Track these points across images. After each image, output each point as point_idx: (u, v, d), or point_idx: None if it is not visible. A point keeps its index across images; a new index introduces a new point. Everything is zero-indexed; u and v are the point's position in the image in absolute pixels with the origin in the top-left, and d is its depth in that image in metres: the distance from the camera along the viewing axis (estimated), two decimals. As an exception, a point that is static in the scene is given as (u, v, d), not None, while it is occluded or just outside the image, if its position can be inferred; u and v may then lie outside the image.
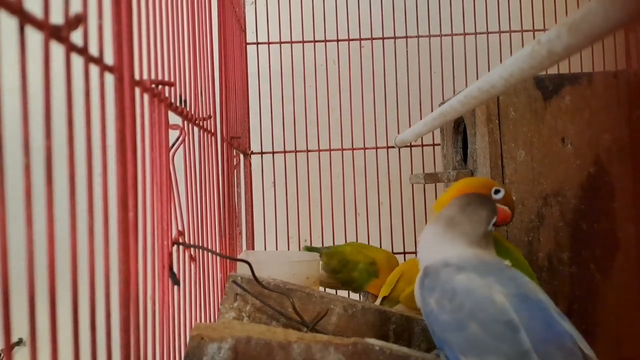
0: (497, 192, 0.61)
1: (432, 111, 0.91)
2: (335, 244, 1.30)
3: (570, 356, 0.43)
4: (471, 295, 0.47)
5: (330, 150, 1.32)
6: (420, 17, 1.33)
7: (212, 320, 0.67)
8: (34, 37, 0.28)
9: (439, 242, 0.54)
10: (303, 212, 1.32)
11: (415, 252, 1.31)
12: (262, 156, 1.33)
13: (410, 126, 1.10)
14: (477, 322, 0.46)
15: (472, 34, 1.31)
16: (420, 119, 1.00)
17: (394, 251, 1.28)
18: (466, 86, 0.68)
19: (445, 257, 0.52)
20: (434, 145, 1.32)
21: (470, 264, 0.51)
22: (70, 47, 0.30)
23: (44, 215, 0.28)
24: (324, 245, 1.33)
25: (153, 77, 0.47)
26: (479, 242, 0.54)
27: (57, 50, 0.29)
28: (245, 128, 1.23)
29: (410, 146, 1.30)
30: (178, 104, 0.55)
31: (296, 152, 1.32)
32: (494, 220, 0.56)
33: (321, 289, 1.06)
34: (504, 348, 0.44)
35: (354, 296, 1.13)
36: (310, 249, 1.12)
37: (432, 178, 0.96)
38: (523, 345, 0.43)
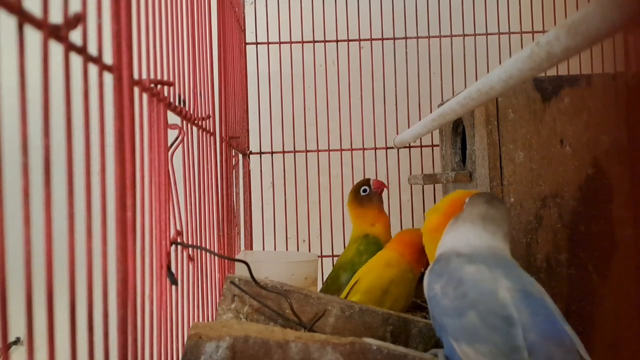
0: None
1: (431, 112, 0.91)
2: (334, 244, 1.30)
3: (569, 354, 0.44)
4: (476, 286, 0.48)
5: (329, 150, 1.32)
6: (419, 18, 1.33)
7: (210, 320, 0.67)
8: (33, 36, 0.28)
9: (479, 235, 0.55)
10: (302, 212, 1.32)
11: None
12: (260, 156, 1.33)
13: (409, 127, 1.10)
14: (476, 311, 0.46)
15: (471, 35, 1.31)
16: (419, 120, 1.00)
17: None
18: (465, 87, 0.68)
19: (468, 248, 0.53)
20: (432, 146, 1.32)
21: (482, 255, 0.51)
22: (69, 47, 0.30)
23: (41, 214, 0.28)
24: (322, 248, 1.33)
25: (152, 76, 0.47)
26: (506, 237, 0.56)
27: (56, 49, 0.29)
28: (244, 128, 1.23)
29: (409, 147, 1.31)
30: (177, 103, 0.55)
31: (295, 152, 1.32)
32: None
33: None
34: (496, 340, 0.44)
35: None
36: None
37: (430, 179, 0.96)
38: (515, 340, 0.44)
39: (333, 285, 0.99)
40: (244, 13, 1.28)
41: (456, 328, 0.47)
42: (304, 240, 1.34)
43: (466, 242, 0.54)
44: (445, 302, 0.49)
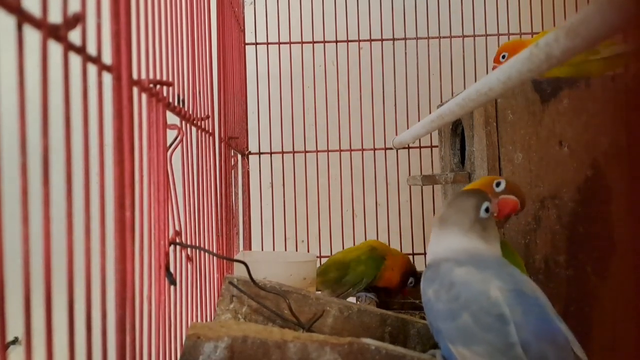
0: (497, 184, 0.61)
1: (430, 113, 0.91)
2: (333, 245, 1.30)
3: (562, 352, 0.44)
4: (468, 288, 0.48)
5: (328, 151, 1.32)
6: (419, 19, 1.33)
7: (208, 320, 0.67)
8: (32, 36, 0.28)
9: (439, 239, 0.55)
10: (300, 212, 1.32)
11: (412, 254, 1.32)
12: (259, 156, 1.33)
13: (408, 128, 1.10)
14: (469, 313, 0.47)
15: (470, 36, 1.32)
16: (419, 120, 1.00)
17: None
18: (464, 88, 0.68)
19: (445, 253, 0.54)
20: (431, 147, 1.32)
21: (469, 258, 0.51)
22: (68, 46, 0.30)
23: (40, 213, 0.28)
24: (321, 249, 1.33)
25: (151, 76, 0.47)
26: (471, 229, 0.54)
27: (55, 49, 0.29)
28: (244, 128, 1.23)
29: (408, 148, 1.31)
30: (176, 103, 0.55)
31: (294, 152, 1.32)
32: (485, 206, 0.55)
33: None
34: (491, 339, 0.45)
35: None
36: None
37: (429, 180, 0.96)
38: (510, 337, 0.44)
39: (318, 278, 0.99)
40: (243, 13, 1.28)
41: (451, 331, 0.47)
42: (302, 241, 1.34)
43: (435, 249, 0.55)
44: (439, 306, 0.49)
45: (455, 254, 0.53)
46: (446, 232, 0.55)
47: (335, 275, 1.00)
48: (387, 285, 1.02)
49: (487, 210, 0.55)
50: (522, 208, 0.64)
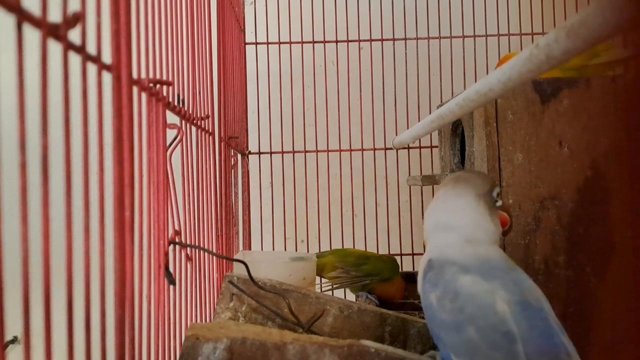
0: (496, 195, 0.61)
1: (430, 113, 0.91)
2: (332, 245, 1.30)
3: None
4: (473, 300, 0.47)
5: (327, 151, 1.32)
6: (419, 19, 1.33)
7: (207, 320, 0.67)
8: (32, 35, 0.28)
9: (468, 248, 0.52)
10: (300, 212, 1.32)
11: (411, 254, 1.32)
12: (259, 156, 1.33)
13: (408, 128, 1.10)
14: (475, 327, 0.46)
15: (470, 36, 1.32)
16: (419, 121, 1.00)
17: (391, 253, 1.28)
18: (464, 89, 0.68)
19: (457, 254, 0.52)
20: (431, 147, 1.32)
21: (476, 264, 0.50)
22: (68, 46, 0.30)
23: (39, 213, 0.28)
24: (321, 249, 1.33)
25: (151, 76, 0.47)
26: (496, 243, 0.54)
27: (55, 48, 0.29)
28: (243, 128, 1.23)
29: (408, 148, 1.31)
30: (176, 103, 0.55)
31: (294, 152, 1.32)
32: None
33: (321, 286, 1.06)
34: (498, 357, 0.44)
35: (350, 297, 1.13)
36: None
37: (429, 180, 0.96)
38: (517, 357, 0.44)
39: (337, 258, 1.02)
40: (243, 13, 1.28)
41: (455, 343, 0.46)
42: (302, 241, 1.34)
43: (458, 254, 0.52)
44: (442, 315, 0.48)
45: (464, 258, 0.51)
46: (478, 244, 0.52)
47: (355, 261, 1.03)
48: (388, 298, 1.06)
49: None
50: (509, 230, 0.63)
